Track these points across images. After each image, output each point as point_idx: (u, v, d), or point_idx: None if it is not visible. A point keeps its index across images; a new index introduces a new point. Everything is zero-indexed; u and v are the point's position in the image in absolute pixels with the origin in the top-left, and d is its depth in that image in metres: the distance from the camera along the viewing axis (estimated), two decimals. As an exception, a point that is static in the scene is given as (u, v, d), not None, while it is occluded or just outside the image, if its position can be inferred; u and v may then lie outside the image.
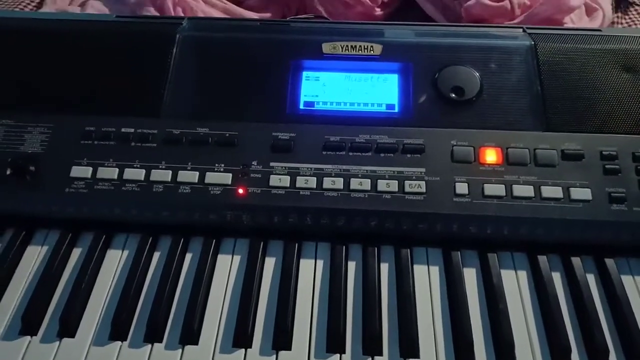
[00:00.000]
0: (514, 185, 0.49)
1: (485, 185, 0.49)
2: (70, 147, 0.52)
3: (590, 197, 0.49)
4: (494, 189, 0.49)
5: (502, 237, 0.50)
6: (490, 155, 0.51)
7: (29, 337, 0.45)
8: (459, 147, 0.51)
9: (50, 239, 0.52)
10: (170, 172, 0.51)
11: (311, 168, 0.51)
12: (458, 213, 0.49)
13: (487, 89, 0.54)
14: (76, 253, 0.51)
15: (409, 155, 0.51)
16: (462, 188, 0.49)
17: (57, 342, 0.44)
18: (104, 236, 0.51)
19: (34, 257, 0.50)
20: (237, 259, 0.50)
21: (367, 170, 0.51)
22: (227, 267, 0.49)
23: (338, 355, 0.44)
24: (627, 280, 0.48)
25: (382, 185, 0.50)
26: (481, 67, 0.55)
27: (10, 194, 0.51)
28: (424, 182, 0.50)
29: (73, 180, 0.51)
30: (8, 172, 0.51)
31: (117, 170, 0.51)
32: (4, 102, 0.55)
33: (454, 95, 0.54)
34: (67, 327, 0.45)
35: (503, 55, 0.56)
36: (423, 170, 0.50)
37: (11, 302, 0.47)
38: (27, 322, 0.45)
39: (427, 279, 0.49)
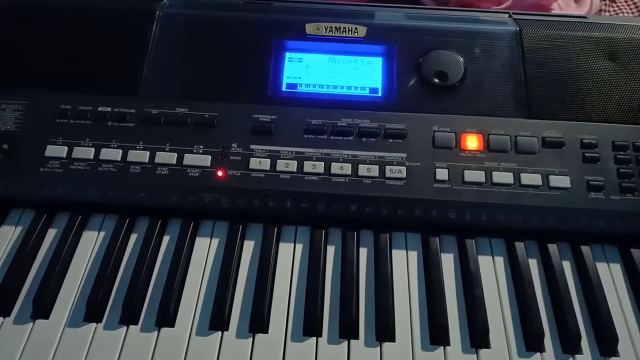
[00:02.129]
0: (493, 172, 0.49)
1: (465, 171, 0.49)
2: (45, 126, 0.51)
3: (568, 185, 0.49)
4: (474, 175, 0.49)
5: (481, 223, 0.50)
6: (472, 142, 0.51)
7: (1, 318, 0.44)
8: (441, 133, 0.51)
9: (24, 219, 0.51)
10: (148, 152, 0.50)
11: (292, 151, 0.50)
12: (437, 199, 0.49)
13: (470, 75, 0.54)
14: (51, 234, 0.50)
15: (390, 140, 0.51)
16: (442, 174, 0.49)
17: (31, 324, 0.44)
18: (80, 217, 0.50)
19: (7, 237, 0.50)
20: (215, 241, 0.50)
21: (348, 155, 0.50)
22: (205, 250, 0.49)
23: (314, 338, 0.44)
24: (601, 268, 0.49)
25: (362, 170, 0.49)
26: (465, 52, 0.55)
27: (-17, 173, 0.49)
28: (404, 167, 0.50)
29: (48, 160, 0.50)
30: (-20, 150, 0.50)
31: (93, 150, 0.50)
32: (-25, 78, 0.53)
33: (437, 80, 0.54)
34: (41, 308, 0.45)
35: (488, 40, 0.56)
36: (404, 155, 0.50)
37: (-17, 283, 0.46)
38: (0, 303, 0.45)
39: (405, 264, 0.49)
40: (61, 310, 0.45)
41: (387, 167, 0.49)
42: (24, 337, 0.43)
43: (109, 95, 0.52)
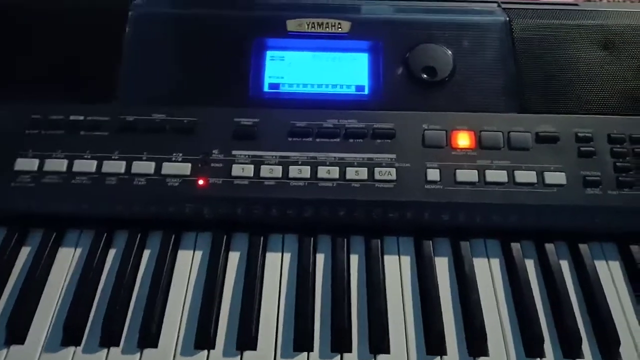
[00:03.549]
0: (487, 171, 0.48)
1: (457, 171, 0.47)
2: (14, 138, 0.49)
3: (564, 182, 0.47)
4: (467, 174, 0.47)
5: (475, 224, 0.48)
6: (463, 139, 0.49)
7: (-27, 346, 0.42)
8: (431, 131, 0.49)
9: (-5, 237, 0.48)
10: (124, 162, 0.47)
11: (276, 156, 0.48)
12: (429, 200, 0.47)
13: (460, 69, 0.52)
14: (25, 252, 0.47)
15: (378, 141, 0.49)
16: (433, 174, 0.47)
17: (5, 350, 0.42)
18: (55, 233, 0.48)
19: (-22, 257, 0.47)
20: (198, 254, 0.47)
21: (335, 158, 0.48)
22: (188, 264, 0.47)
23: (306, 353, 0.42)
24: (600, 266, 0.48)
25: (351, 173, 0.47)
26: (454, 46, 0.53)
27: (-52, 190, 0.47)
28: (394, 169, 0.48)
29: (18, 174, 0.47)
30: (-55, 165, 0.47)
31: (66, 162, 0.47)
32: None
33: (425, 75, 0.52)
34: (16, 333, 0.42)
35: (477, 32, 0.54)
36: (393, 156, 0.48)
37: (-47, 308, 0.44)
38: (-29, 329, 0.42)
39: (398, 270, 0.47)
40: (37, 335, 0.42)
41: (376, 169, 0.47)
42: (-2, 364, 0.41)
43: (81, 103, 0.50)
